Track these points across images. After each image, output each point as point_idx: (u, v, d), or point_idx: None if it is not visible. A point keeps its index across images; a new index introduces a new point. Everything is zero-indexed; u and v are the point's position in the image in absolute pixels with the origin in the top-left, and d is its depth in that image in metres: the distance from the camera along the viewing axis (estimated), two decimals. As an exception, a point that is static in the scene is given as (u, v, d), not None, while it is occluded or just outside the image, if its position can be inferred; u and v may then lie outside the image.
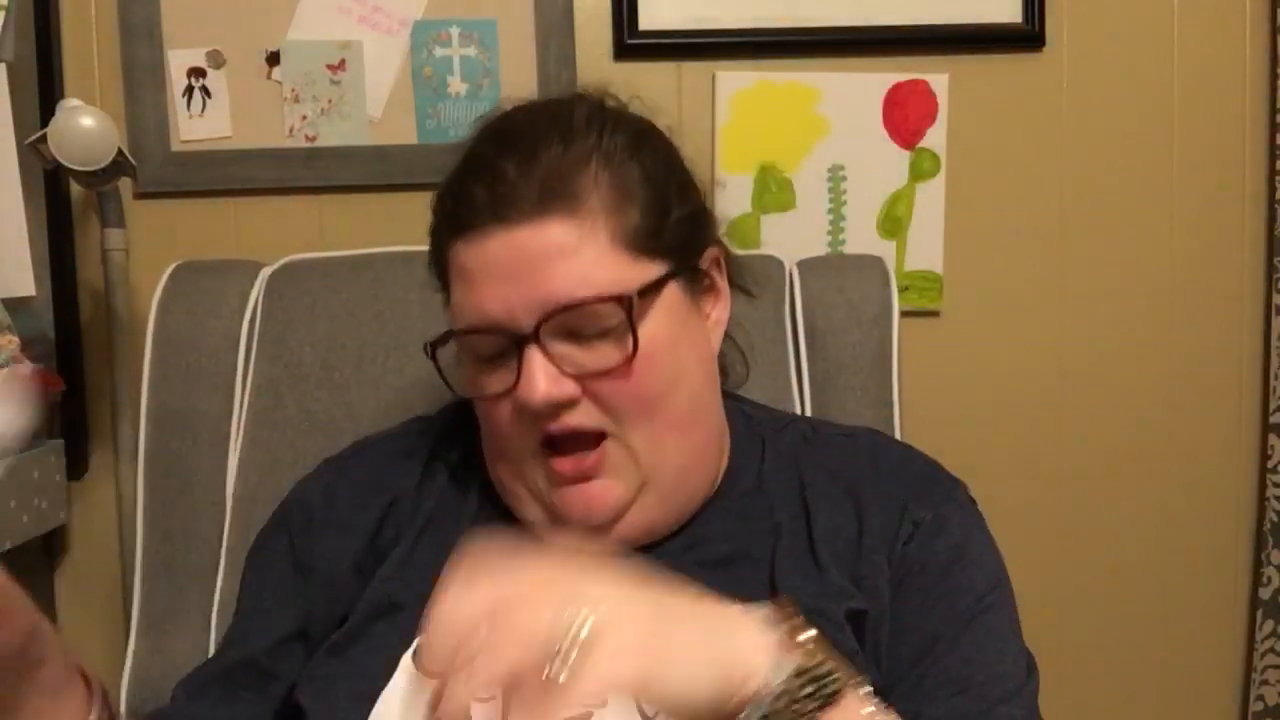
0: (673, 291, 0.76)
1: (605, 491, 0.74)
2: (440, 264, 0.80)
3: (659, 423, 0.74)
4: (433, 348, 0.78)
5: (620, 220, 0.73)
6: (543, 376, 0.71)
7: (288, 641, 0.81)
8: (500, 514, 0.81)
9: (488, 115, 0.82)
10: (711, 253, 0.81)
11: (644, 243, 0.74)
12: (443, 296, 0.81)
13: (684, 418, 0.76)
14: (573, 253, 0.71)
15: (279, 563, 0.83)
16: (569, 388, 0.72)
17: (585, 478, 0.74)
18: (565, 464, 0.73)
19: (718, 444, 0.81)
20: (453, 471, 0.84)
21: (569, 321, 0.71)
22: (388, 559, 0.78)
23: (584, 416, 0.73)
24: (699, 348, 0.79)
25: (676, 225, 0.76)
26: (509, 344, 0.73)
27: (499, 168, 0.73)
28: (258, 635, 0.81)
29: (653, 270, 0.74)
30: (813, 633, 0.53)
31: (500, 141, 0.76)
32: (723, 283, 0.83)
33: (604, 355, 0.72)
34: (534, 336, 0.71)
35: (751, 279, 0.90)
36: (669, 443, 0.75)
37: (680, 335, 0.76)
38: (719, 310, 0.82)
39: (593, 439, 0.74)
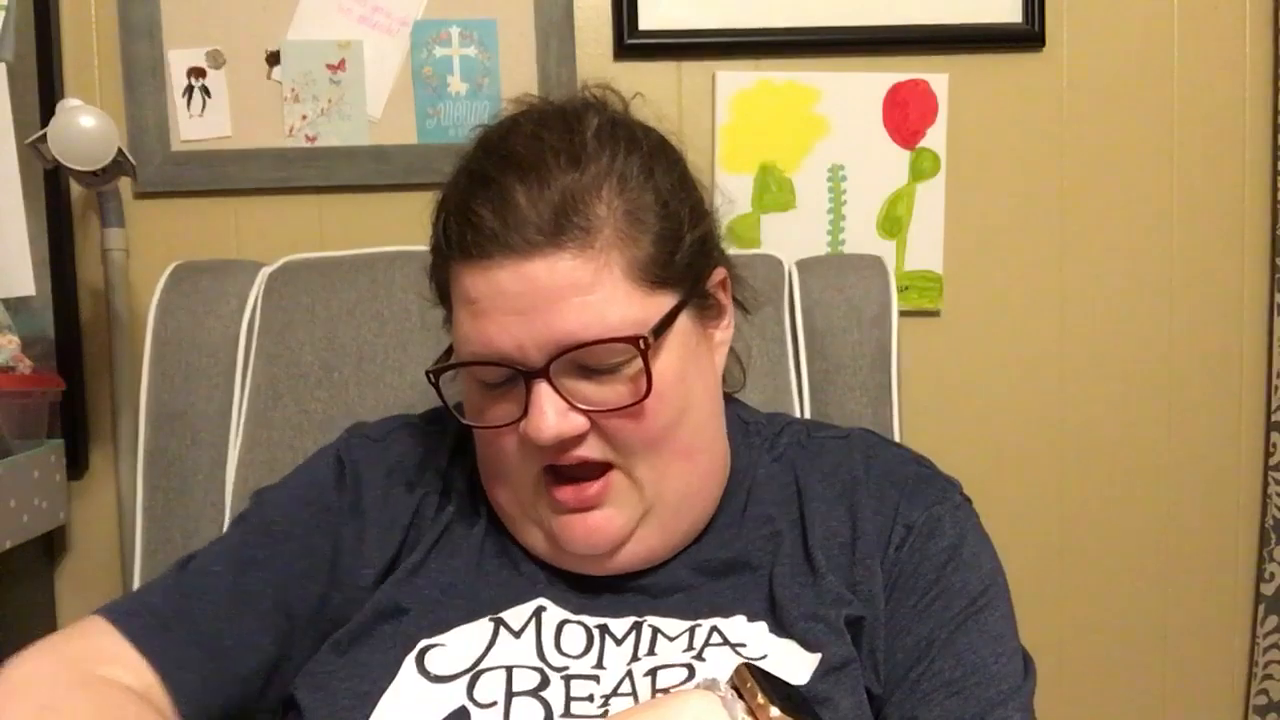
0: (683, 321, 0.75)
1: (607, 522, 0.74)
2: (441, 282, 0.78)
3: (666, 454, 0.74)
4: (436, 375, 0.76)
5: (634, 252, 0.71)
6: (552, 412, 0.70)
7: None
8: (506, 534, 0.81)
9: (490, 126, 0.78)
10: (718, 274, 0.80)
11: (656, 274, 0.72)
12: (443, 313, 0.80)
13: (690, 447, 0.76)
14: (586, 289, 0.69)
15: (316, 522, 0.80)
16: (578, 422, 0.71)
17: (587, 507, 0.73)
18: (567, 493, 0.73)
19: (721, 466, 0.81)
20: (468, 478, 0.83)
21: (580, 358, 0.70)
22: (400, 565, 0.78)
23: (590, 450, 0.73)
24: (706, 374, 0.78)
25: (687, 251, 0.75)
26: (516, 375, 0.71)
27: (508, 191, 0.70)
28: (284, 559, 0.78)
29: (665, 303, 0.73)
30: (775, 713, 0.55)
31: (509, 160, 0.72)
32: (727, 301, 0.82)
33: (615, 392, 0.71)
34: (544, 372, 0.70)
35: (750, 293, 0.89)
36: (674, 472, 0.75)
37: (689, 365, 0.75)
38: (723, 330, 0.81)
39: (596, 469, 0.73)
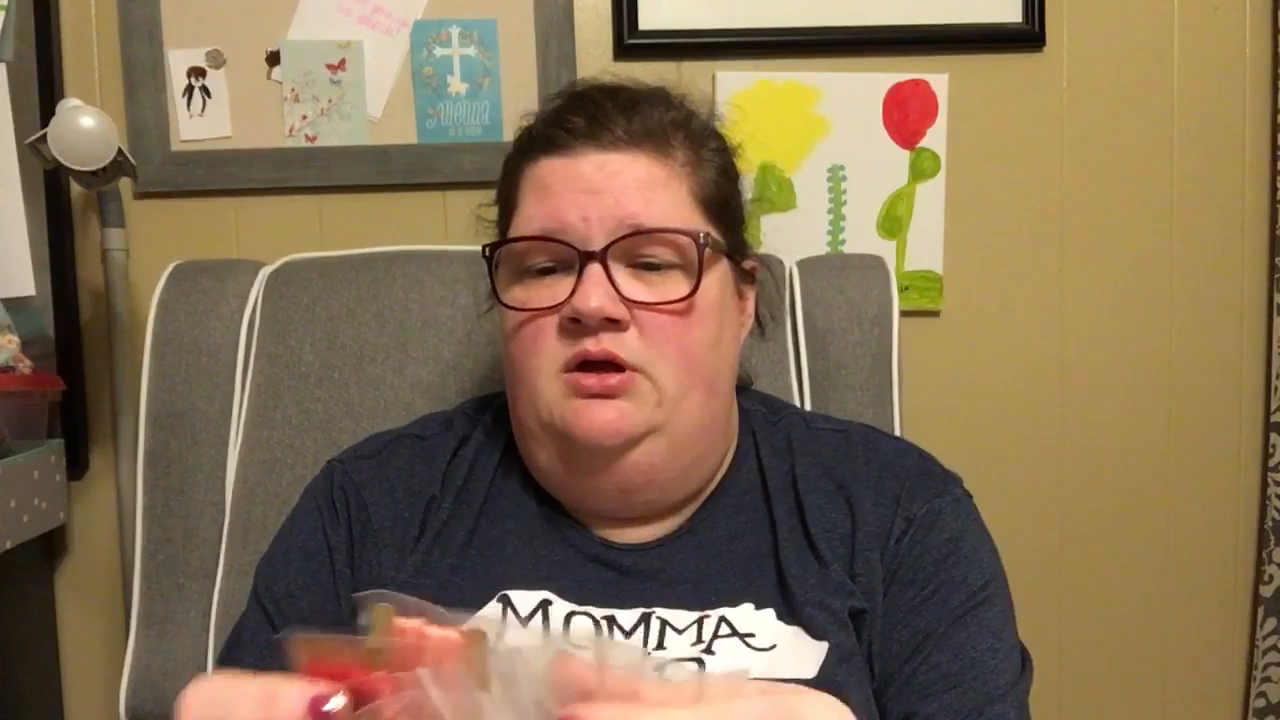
0: (726, 266, 0.80)
1: (621, 415, 0.74)
2: (512, 183, 0.81)
3: (694, 375, 0.76)
4: (492, 250, 0.79)
5: (700, 179, 0.79)
6: (601, 289, 0.73)
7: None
8: (509, 506, 0.81)
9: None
10: (751, 262, 0.85)
11: (714, 209, 0.79)
12: (499, 221, 0.83)
13: (713, 381, 0.78)
14: (659, 186, 0.76)
15: (317, 561, 0.81)
16: (623, 309, 0.73)
17: (607, 395, 0.74)
18: (591, 379, 0.74)
19: (728, 423, 0.82)
20: (468, 473, 0.83)
21: (638, 247, 0.74)
22: (405, 564, 0.78)
23: (624, 348, 0.74)
24: (734, 328, 0.82)
25: (735, 210, 0.83)
26: (569, 259, 0.74)
27: (602, 105, 0.78)
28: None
29: (717, 235, 0.79)
30: None
31: (604, 89, 0.81)
32: (751, 293, 0.86)
33: (662, 291, 0.75)
34: (600, 255, 0.73)
35: (765, 314, 0.93)
36: (695, 397, 0.76)
37: (726, 305, 0.80)
38: (745, 315, 0.85)
39: (624, 368, 0.74)
